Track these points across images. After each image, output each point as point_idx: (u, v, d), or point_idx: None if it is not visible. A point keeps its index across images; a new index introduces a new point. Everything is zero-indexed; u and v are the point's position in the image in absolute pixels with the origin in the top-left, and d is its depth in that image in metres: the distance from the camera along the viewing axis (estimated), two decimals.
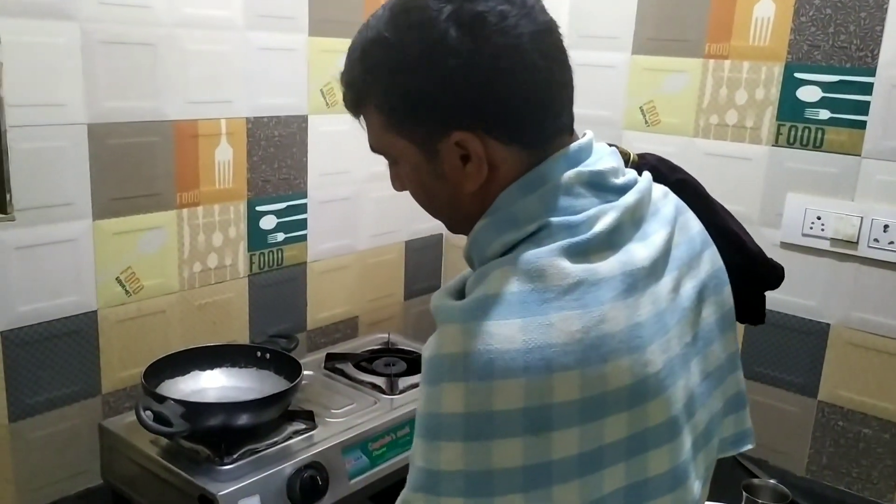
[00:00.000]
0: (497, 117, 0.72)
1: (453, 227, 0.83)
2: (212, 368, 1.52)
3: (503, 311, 0.65)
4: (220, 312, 1.69)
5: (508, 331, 0.64)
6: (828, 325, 1.65)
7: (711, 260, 0.84)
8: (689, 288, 0.78)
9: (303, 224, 1.83)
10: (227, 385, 1.49)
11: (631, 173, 0.79)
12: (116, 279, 1.50)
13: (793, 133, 1.64)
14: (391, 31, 0.73)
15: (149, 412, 1.26)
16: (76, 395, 1.47)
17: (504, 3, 0.70)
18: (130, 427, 1.41)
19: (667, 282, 0.74)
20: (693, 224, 0.84)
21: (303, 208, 1.82)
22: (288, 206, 1.79)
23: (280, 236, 1.79)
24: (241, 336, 1.75)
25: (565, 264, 0.67)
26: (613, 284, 0.68)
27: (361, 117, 0.80)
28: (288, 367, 1.50)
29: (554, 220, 0.70)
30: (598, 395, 0.65)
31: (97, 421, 1.49)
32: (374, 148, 0.81)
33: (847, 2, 1.54)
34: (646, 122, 1.82)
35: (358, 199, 1.95)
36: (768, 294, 1.74)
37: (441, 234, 2.22)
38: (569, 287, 0.66)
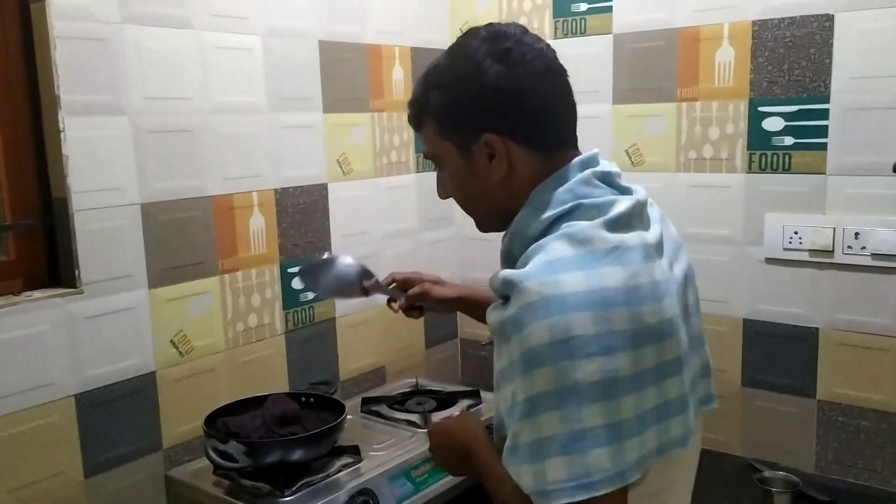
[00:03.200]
0: (517, 124, 0.96)
1: (483, 223, 1.07)
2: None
3: (567, 267, 0.86)
4: (262, 368, 1.85)
5: (574, 279, 0.85)
6: (816, 329, 1.81)
7: (686, 256, 1.05)
8: (678, 270, 0.99)
9: None
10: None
11: (626, 182, 1.02)
12: (171, 342, 1.66)
13: (763, 160, 1.83)
14: (445, 61, 1.01)
15: (216, 451, 1.40)
16: (141, 450, 1.61)
17: (523, 46, 0.97)
18: (195, 474, 1.55)
19: (665, 261, 0.95)
20: (671, 226, 1.05)
21: None
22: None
23: (310, 295, 1.95)
24: (282, 389, 1.89)
25: (605, 234, 0.89)
26: (637, 252, 0.90)
27: (422, 131, 1.05)
28: (331, 409, 1.65)
29: (584, 201, 0.93)
30: (640, 328, 0.86)
31: (160, 474, 1.63)
32: (427, 154, 1.06)
33: (797, 41, 1.75)
34: (632, 163, 2.02)
35: (378, 257, 2.12)
36: (762, 307, 1.91)
37: None
38: (610, 250, 0.88)
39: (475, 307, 1.45)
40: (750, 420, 1.93)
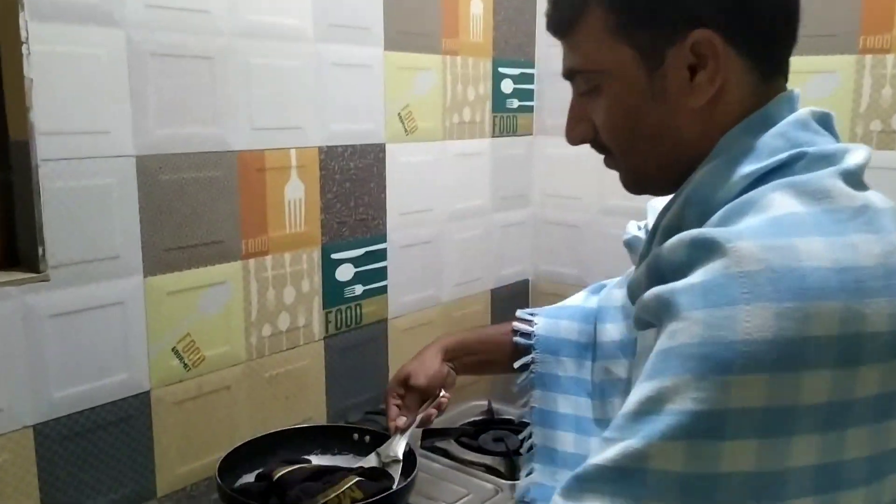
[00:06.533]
0: (743, 17, 0.66)
1: (642, 177, 0.75)
2: (299, 458, 1.20)
3: (800, 230, 0.58)
4: (293, 385, 1.39)
5: (813, 247, 0.57)
6: None
7: None
8: None
9: (382, 274, 1.54)
10: None
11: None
12: (173, 350, 1.20)
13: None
14: None
15: None
16: (125, 501, 1.15)
17: None
18: None
19: None
20: None
21: (382, 255, 1.53)
22: (366, 253, 1.50)
23: (358, 289, 1.49)
24: (318, 412, 1.44)
25: (846, 188, 0.62)
26: (889, 215, 0.62)
27: (573, 33, 0.72)
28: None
29: (810, 149, 0.65)
30: None
31: None
32: (576, 68, 0.73)
33: None
34: None
35: (441, 242, 1.66)
36: None
37: (527, 280, 1.92)
38: (858, 210, 0.60)
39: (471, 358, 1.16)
40: None
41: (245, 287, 1.29)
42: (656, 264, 0.65)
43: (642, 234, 0.93)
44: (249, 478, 1.15)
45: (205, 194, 1.21)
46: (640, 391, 0.59)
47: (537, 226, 1.91)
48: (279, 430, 1.25)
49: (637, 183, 0.76)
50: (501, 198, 1.80)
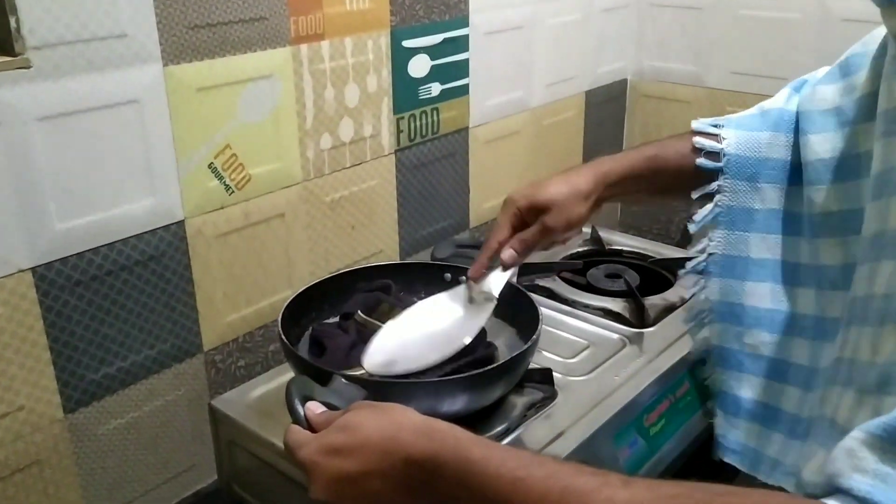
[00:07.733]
0: None
1: None
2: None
3: None
4: (359, 211, 1.10)
5: None
6: None
7: None
8: None
9: (463, 69, 1.21)
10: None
11: None
12: (209, 167, 0.90)
13: None
14: None
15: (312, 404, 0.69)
16: (164, 357, 0.91)
17: None
18: (260, 408, 0.86)
19: None
20: None
21: (464, 43, 1.19)
22: (444, 41, 1.16)
23: (435, 88, 1.17)
24: (389, 245, 1.16)
25: None
26: None
27: None
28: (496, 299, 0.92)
29: None
30: None
31: (202, 394, 0.94)
32: None
33: None
34: None
35: (532, 30, 1.31)
36: None
37: (626, 80, 1.58)
38: None
39: (632, 185, 0.82)
40: None
41: (297, 84, 0.97)
42: None
43: None
44: (320, 327, 0.90)
45: None
46: None
47: (642, 9, 1.53)
48: (352, 268, 0.98)
49: None
50: None
